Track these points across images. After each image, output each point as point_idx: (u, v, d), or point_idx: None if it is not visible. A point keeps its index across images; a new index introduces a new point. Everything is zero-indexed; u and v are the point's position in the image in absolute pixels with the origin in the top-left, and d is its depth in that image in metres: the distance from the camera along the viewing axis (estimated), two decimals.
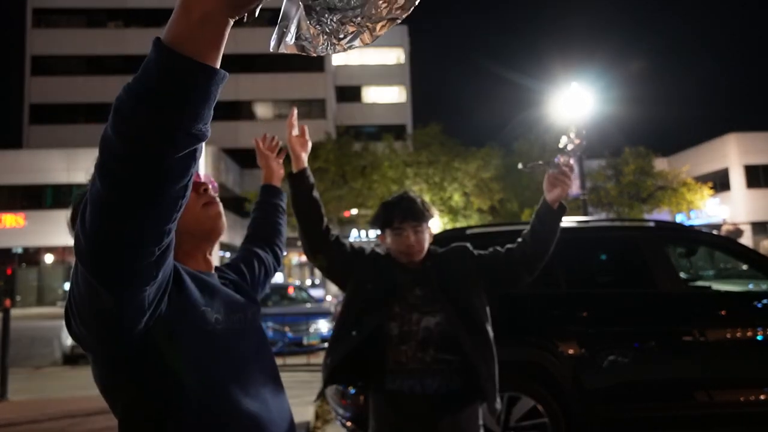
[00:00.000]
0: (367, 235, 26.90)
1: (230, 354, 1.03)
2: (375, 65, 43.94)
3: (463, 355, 2.06)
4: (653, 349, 3.82)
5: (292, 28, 0.74)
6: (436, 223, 26.32)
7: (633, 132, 63.71)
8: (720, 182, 30.98)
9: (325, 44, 0.72)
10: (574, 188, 15.30)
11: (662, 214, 26.69)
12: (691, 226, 7.03)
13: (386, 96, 43.81)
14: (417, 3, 0.69)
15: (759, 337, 3.81)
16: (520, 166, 2.28)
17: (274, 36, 0.76)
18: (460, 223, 24.71)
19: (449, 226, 23.51)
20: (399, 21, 0.70)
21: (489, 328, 2.15)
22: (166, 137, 0.69)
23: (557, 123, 19.89)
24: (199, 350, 0.98)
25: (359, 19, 0.69)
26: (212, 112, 0.74)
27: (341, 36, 0.71)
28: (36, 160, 29.09)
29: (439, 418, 2.04)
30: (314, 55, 0.74)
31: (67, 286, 28.14)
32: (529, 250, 2.16)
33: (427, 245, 2.21)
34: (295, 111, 2.02)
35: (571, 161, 2.14)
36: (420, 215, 2.19)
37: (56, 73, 36.05)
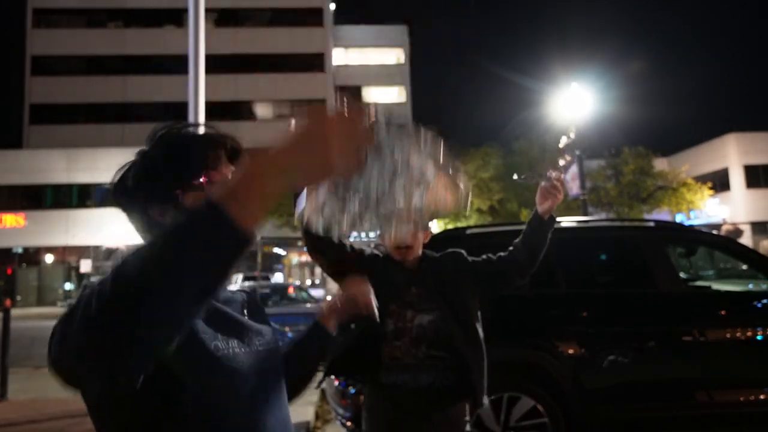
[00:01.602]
0: (367, 235, 26.88)
1: (230, 378, 0.98)
2: (375, 65, 43.94)
3: (456, 353, 2.16)
4: (653, 349, 3.82)
5: (320, 213, 0.81)
6: (437, 224, 26.41)
7: (633, 132, 63.68)
8: (720, 182, 30.99)
9: (347, 228, 0.81)
10: (575, 188, 15.32)
11: (662, 214, 26.68)
12: (691, 226, 7.03)
13: (386, 96, 43.81)
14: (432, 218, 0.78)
15: (759, 337, 3.82)
16: (515, 177, 2.41)
17: (299, 212, 0.84)
18: (461, 223, 24.71)
19: (450, 226, 23.51)
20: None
21: (480, 328, 2.26)
22: (194, 293, 0.70)
23: (557, 123, 19.90)
24: (197, 371, 0.94)
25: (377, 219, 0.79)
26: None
27: (359, 225, 0.81)
28: (36, 160, 29.09)
29: (429, 411, 2.14)
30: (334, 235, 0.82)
31: (67, 286, 28.18)
32: (520, 257, 2.28)
33: (421, 245, 2.32)
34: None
35: (563, 176, 2.28)
36: None
37: (56, 73, 36.04)
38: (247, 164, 0.73)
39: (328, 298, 18.57)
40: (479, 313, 2.29)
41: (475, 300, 2.29)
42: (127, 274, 0.70)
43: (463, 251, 2.38)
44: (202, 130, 1.06)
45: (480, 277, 2.30)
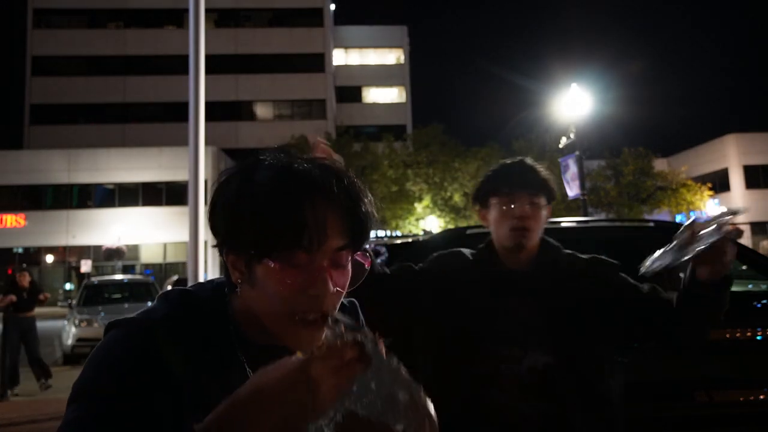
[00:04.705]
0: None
1: None
2: (375, 65, 43.98)
3: (563, 406, 1.53)
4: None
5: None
6: (437, 223, 26.34)
7: (633, 132, 63.68)
8: (719, 183, 31.01)
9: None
10: (575, 188, 15.31)
11: (662, 215, 26.71)
12: None
13: (386, 96, 43.84)
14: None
15: (758, 337, 3.82)
16: (642, 270, 1.53)
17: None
18: (461, 223, 24.72)
19: (450, 226, 23.51)
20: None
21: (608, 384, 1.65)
22: None
23: (557, 123, 19.93)
24: None
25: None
26: None
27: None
28: (36, 160, 29.11)
29: None
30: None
31: (67, 286, 28.14)
32: (677, 330, 1.60)
33: (540, 230, 1.63)
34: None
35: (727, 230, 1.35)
36: (537, 185, 1.60)
37: (57, 73, 36.08)
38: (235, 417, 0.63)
39: None
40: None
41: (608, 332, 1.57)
42: None
43: (618, 264, 1.70)
44: (317, 173, 0.77)
45: (632, 314, 1.59)
